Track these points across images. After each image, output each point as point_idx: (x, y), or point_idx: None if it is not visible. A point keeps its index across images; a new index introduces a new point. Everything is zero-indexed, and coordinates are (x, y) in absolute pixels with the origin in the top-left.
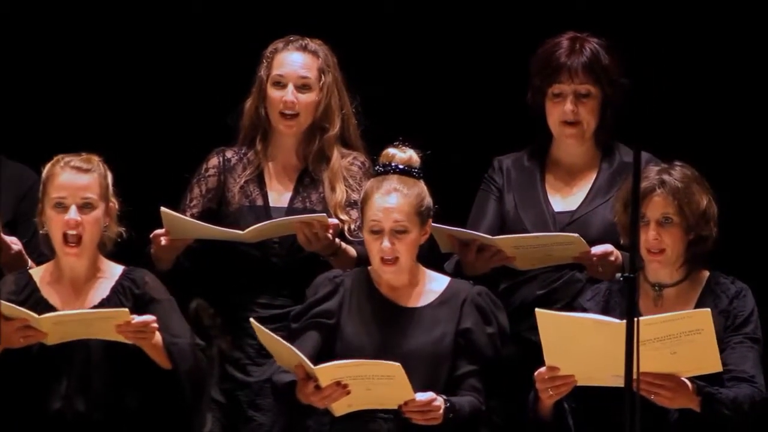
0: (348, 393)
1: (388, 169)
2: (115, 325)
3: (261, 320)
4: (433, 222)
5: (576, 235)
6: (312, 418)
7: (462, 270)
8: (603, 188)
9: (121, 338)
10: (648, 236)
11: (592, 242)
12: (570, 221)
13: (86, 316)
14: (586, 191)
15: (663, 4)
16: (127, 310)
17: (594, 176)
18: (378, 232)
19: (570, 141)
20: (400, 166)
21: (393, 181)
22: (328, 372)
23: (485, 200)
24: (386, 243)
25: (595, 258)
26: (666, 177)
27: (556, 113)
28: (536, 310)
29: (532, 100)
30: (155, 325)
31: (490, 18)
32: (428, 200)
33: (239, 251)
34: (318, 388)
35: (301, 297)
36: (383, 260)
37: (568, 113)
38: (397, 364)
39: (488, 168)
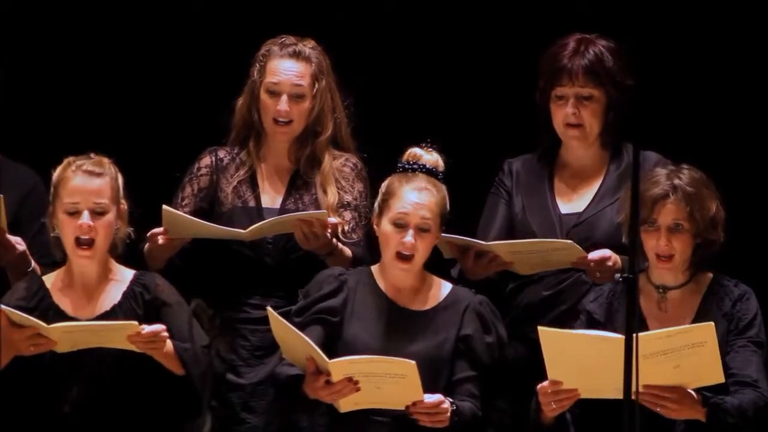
0: (358, 390)
1: (415, 168)
2: (126, 335)
3: (252, 322)
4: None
5: (570, 241)
6: (306, 419)
7: (465, 275)
8: (610, 190)
9: (132, 347)
10: (659, 242)
11: (598, 244)
12: (577, 223)
13: (96, 327)
14: (594, 193)
15: (665, 5)
16: (136, 323)
17: (602, 178)
18: (402, 226)
19: (573, 143)
20: (428, 166)
21: (422, 180)
22: (341, 367)
23: (495, 204)
24: (410, 237)
25: (592, 263)
26: (677, 182)
27: (560, 115)
28: (539, 328)
29: (539, 101)
30: (165, 334)
31: (498, 19)
32: (448, 206)
33: (232, 251)
34: (328, 383)
35: (294, 298)
36: (400, 255)
37: (570, 116)
38: (413, 362)
39: (498, 171)
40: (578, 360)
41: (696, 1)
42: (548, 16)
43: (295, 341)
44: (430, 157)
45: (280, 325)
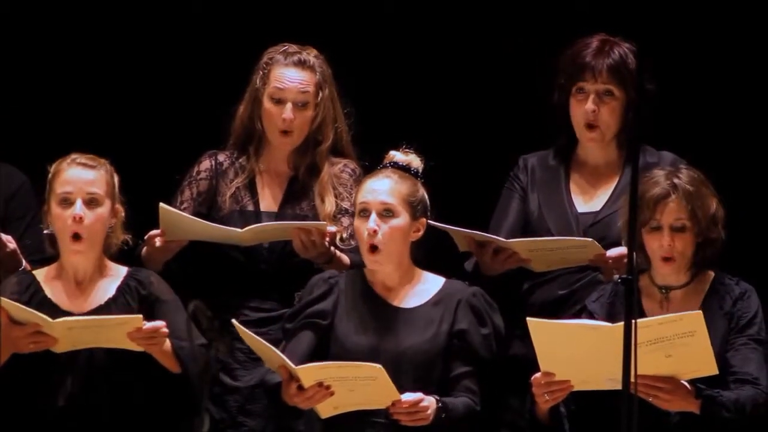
0: (331, 394)
1: (386, 166)
2: (127, 332)
3: (249, 323)
4: (445, 223)
5: (590, 239)
6: (302, 421)
7: (480, 270)
8: (627, 189)
9: (131, 346)
10: (662, 242)
11: (614, 244)
12: (593, 222)
13: (100, 322)
14: (610, 192)
15: (665, 5)
16: (140, 316)
17: (618, 177)
18: (366, 215)
19: (591, 144)
20: (399, 163)
21: (387, 171)
22: (309, 373)
23: (509, 199)
24: (372, 223)
25: (610, 261)
26: (677, 181)
27: (579, 112)
28: (528, 319)
29: (557, 99)
30: (165, 330)
31: (498, 19)
32: (423, 196)
33: (228, 256)
34: (301, 389)
35: (289, 303)
36: (369, 247)
37: (589, 113)
38: (379, 366)
39: (513, 166)
40: (569, 350)
41: (695, 2)
42: (548, 16)
43: (265, 351)
44: (404, 157)
45: (248, 337)
